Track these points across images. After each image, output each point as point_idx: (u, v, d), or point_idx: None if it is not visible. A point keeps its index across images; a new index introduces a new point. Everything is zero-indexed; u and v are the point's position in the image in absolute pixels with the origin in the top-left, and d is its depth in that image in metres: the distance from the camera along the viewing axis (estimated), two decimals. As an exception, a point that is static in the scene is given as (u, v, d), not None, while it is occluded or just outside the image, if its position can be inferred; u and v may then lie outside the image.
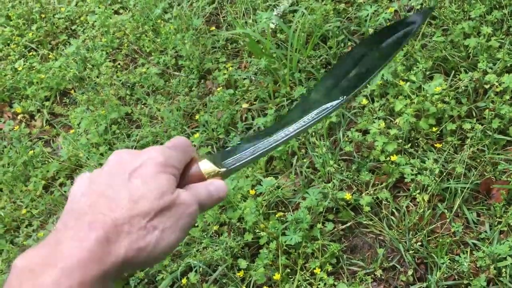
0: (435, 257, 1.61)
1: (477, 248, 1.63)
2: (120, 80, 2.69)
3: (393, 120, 1.99)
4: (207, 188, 0.55)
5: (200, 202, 0.53)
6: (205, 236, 1.83)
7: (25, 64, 2.98)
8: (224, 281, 1.75)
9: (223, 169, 0.57)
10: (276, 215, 1.81)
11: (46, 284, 0.43)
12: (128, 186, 0.49)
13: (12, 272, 0.45)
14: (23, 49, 3.12)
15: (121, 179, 0.50)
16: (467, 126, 1.88)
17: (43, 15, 3.32)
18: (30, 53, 3.08)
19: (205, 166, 0.58)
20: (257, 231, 1.76)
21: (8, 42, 3.22)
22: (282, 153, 2.01)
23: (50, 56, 3.01)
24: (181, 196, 0.51)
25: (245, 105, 2.33)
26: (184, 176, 0.56)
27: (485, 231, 1.66)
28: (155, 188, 0.50)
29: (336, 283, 1.65)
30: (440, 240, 1.64)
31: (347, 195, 1.77)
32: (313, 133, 2.03)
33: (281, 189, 1.89)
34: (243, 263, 1.74)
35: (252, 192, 1.86)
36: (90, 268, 0.44)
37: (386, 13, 2.33)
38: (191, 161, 0.58)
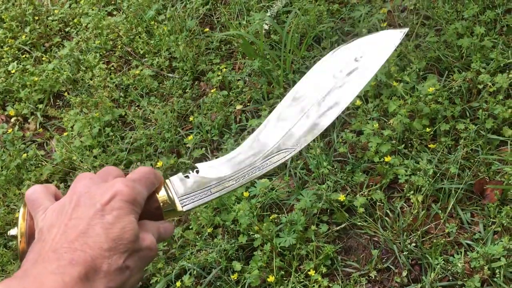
0: (430, 258, 1.60)
1: (471, 248, 1.63)
2: (114, 82, 2.68)
3: (387, 120, 1.99)
4: (159, 230, 0.58)
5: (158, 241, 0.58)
6: (199, 238, 1.83)
7: (18, 67, 2.96)
8: (218, 284, 1.74)
9: (180, 209, 0.61)
10: (270, 217, 1.81)
11: None
12: (103, 222, 0.51)
13: None
14: (17, 52, 3.11)
15: (92, 212, 0.51)
16: (460, 126, 1.88)
17: (36, 17, 3.31)
18: (24, 56, 3.07)
19: (163, 195, 0.61)
20: (251, 233, 1.76)
21: (1, 44, 3.21)
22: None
23: (43, 58, 3.00)
24: (148, 240, 0.54)
25: (239, 107, 2.33)
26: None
27: (479, 232, 1.66)
28: (129, 229, 0.52)
29: (330, 284, 1.65)
30: (434, 241, 1.63)
31: (341, 197, 1.77)
32: (307, 134, 2.02)
33: (275, 191, 1.89)
34: (237, 266, 1.73)
35: (246, 194, 1.85)
36: None
37: (379, 13, 2.33)
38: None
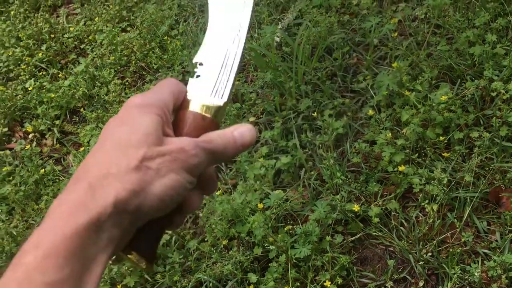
0: (446, 268, 1.59)
1: (488, 257, 1.62)
2: (129, 97, 2.71)
3: (400, 130, 1.99)
4: (226, 138, 0.50)
5: (207, 148, 0.48)
6: (215, 251, 1.84)
7: (35, 84, 3.02)
8: (234, 296, 1.75)
9: (220, 103, 0.53)
10: (285, 228, 1.81)
11: (29, 259, 0.41)
12: (113, 135, 0.47)
13: None
14: (34, 69, 3.17)
15: (105, 135, 0.48)
16: (474, 134, 1.87)
17: (52, 35, 3.37)
18: (40, 73, 3.13)
19: (195, 107, 0.52)
20: (266, 244, 1.76)
21: (19, 62, 3.28)
22: (290, 165, 2.01)
23: (59, 75, 3.05)
24: (175, 144, 0.47)
25: (252, 119, 2.35)
26: (182, 125, 0.51)
27: (496, 240, 1.65)
28: (141, 133, 0.46)
29: (346, 295, 1.64)
30: (451, 250, 1.62)
31: (356, 207, 1.77)
32: (320, 145, 2.03)
33: (290, 202, 1.89)
34: (253, 277, 1.74)
35: (260, 205, 1.86)
36: (75, 217, 0.41)
37: (390, 23, 2.34)
38: (183, 105, 0.52)
